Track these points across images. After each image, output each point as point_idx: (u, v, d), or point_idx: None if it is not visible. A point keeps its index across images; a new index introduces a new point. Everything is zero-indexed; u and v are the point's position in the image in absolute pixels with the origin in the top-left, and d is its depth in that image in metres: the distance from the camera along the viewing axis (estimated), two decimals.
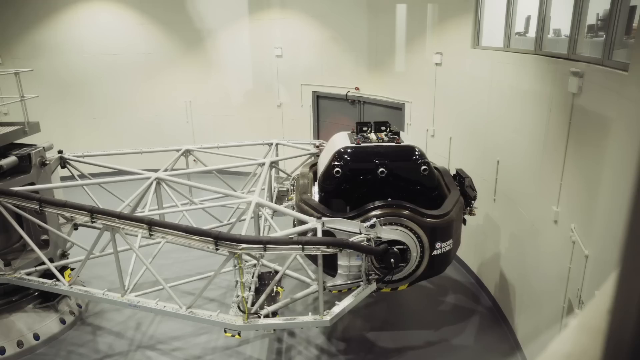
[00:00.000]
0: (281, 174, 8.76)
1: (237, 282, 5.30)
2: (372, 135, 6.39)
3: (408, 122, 9.69)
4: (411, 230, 5.48)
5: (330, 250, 5.06)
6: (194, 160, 8.84)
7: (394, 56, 9.83)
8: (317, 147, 8.47)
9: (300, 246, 4.97)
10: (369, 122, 6.78)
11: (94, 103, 13.20)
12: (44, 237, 6.82)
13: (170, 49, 13.19)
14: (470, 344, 6.59)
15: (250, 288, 5.42)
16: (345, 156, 5.93)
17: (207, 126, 13.44)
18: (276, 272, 5.96)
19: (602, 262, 3.92)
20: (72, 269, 7.40)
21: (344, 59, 10.97)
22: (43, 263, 6.45)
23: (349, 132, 6.70)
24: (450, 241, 5.82)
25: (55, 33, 12.71)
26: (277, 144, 8.59)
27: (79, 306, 7.24)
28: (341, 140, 6.38)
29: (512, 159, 6.48)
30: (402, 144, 6.14)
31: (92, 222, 5.55)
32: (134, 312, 7.27)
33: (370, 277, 5.38)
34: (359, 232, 5.25)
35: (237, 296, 5.38)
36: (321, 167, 6.43)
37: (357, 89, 10.81)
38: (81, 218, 5.76)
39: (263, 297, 5.28)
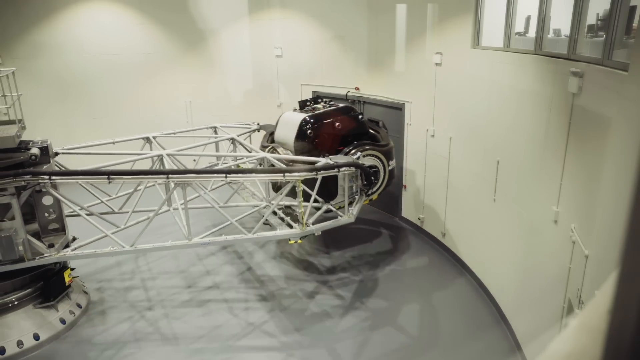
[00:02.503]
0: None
1: (298, 202, 7.21)
2: (318, 105, 8.73)
3: (408, 122, 9.69)
4: (377, 157, 8.10)
5: (352, 170, 7.39)
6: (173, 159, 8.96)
7: (394, 56, 9.83)
8: (258, 124, 10.51)
9: (337, 169, 7.19)
10: (307, 99, 9.06)
11: (94, 103, 13.20)
12: (53, 225, 6.91)
13: (170, 49, 13.19)
14: (470, 344, 6.59)
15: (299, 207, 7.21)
16: (311, 121, 8.09)
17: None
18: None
19: (602, 262, 3.92)
20: (72, 269, 7.43)
21: (344, 59, 10.97)
22: (67, 246, 6.80)
23: (294, 109, 8.72)
24: (394, 160, 8.58)
25: (55, 33, 12.70)
26: (220, 127, 10.08)
27: (79, 306, 7.24)
28: (296, 115, 8.38)
29: (512, 159, 6.48)
30: (340, 105, 8.72)
31: (168, 182, 6.70)
32: (133, 311, 7.28)
33: (361, 192, 7.82)
34: (352, 162, 7.51)
35: (295, 213, 7.66)
36: (285, 137, 8.34)
37: (357, 89, 10.81)
38: (156, 180, 7.05)
39: (307, 213, 7.18)
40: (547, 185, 5.38)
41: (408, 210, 10.28)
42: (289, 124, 8.28)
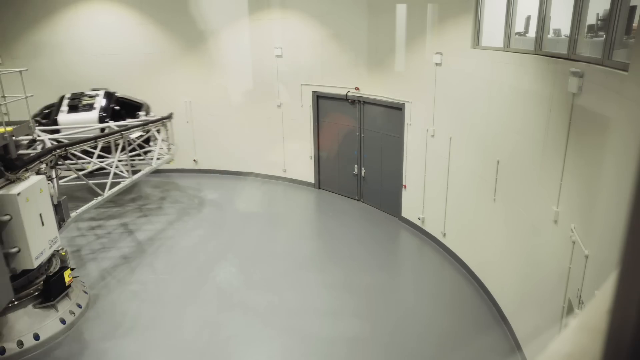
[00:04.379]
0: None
1: (156, 140, 10.88)
2: (89, 100, 11.07)
3: (408, 122, 9.69)
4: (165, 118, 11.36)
5: (168, 120, 11.24)
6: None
7: (394, 56, 9.83)
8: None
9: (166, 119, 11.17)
10: (72, 100, 11.10)
11: None
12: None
13: (170, 49, 13.19)
14: (470, 344, 6.59)
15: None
16: (104, 114, 10.77)
17: (207, 126, 13.44)
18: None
19: (602, 262, 3.93)
20: (72, 269, 7.43)
21: (344, 59, 10.97)
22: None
23: (61, 111, 10.78)
24: None
25: (55, 33, 12.71)
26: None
27: (79, 306, 7.24)
28: (85, 114, 10.70)
29: (512, 159, 6.48)
30: (102, 93, 11.29)
31: (143, 131, 10.28)
32: (132, 309, 7.30)
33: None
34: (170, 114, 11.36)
35: (160, 148, 10.81)
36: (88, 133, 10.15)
37: (357, 89, 10.81)
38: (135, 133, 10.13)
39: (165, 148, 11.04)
40: (547, 185, 5.38)
41: (408, 210, 10.28)
42: (85, 122, 10.51)
